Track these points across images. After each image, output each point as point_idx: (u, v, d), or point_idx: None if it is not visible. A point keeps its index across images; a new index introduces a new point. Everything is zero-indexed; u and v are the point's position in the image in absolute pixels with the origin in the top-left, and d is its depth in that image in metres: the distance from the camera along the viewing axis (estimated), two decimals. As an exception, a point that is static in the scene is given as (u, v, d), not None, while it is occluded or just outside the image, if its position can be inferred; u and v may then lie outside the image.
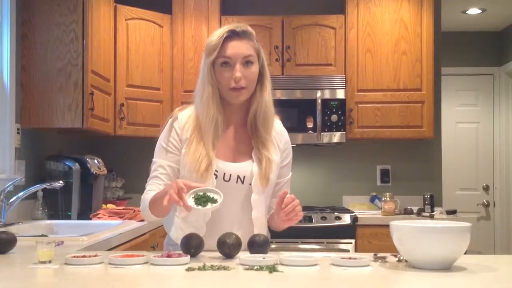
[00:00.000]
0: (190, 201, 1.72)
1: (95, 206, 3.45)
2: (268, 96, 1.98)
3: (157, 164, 1.99)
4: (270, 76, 2.01)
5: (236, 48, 1.90)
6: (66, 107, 3.24)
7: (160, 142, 2.01)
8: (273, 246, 2.07)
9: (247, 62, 1.91)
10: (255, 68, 1.94)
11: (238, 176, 1.95)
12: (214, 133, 1.94)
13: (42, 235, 2.51)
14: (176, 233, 1.97)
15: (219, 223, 1.91)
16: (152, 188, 1.96)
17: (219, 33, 1.91)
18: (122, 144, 4.48)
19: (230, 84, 1.91)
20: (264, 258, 1.65)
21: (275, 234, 2.14)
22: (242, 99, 1.95)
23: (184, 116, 2.00)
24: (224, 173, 1.94)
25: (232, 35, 1.90)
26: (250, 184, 1.95)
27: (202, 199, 1.74)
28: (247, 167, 1.96)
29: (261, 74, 1.97)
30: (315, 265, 1.64)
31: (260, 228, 1.98)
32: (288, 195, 1.86)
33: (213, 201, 1.74)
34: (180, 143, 1.97)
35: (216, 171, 1.92)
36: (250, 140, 2.00)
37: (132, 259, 1.65)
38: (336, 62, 4.19)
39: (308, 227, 3.77)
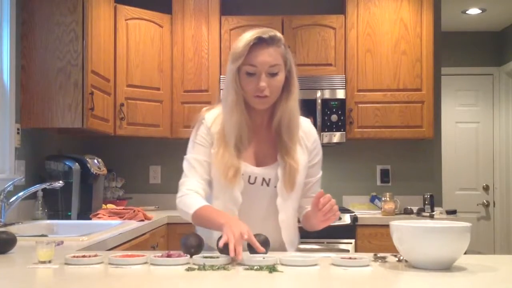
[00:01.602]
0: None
1: (95, 206, 3.45)
2: (293, 103, 1.96)
3: (192, 158, 1.98)
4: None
5: (263, 56, 1.87)
6: (66, 107, 3.24)
7: (192, 139, 2.02)
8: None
9: (272, 72, 1.89)
10: (280, 77, 1.91)
11: (264, 179, 1.96)
12: (238, 138, 1.93)
13: (42, 235, 2.51)
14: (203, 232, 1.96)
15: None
16: (194, 186, 1.93)
17: (246, 40, 1.87)
18: (122, 144, 4.48)
19: (254, 92, 1.90)
20: (264, 258, 1.65)
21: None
22: (266, 106, 1.94)
23: (211, 117, 2.00)
24: (249, 176, 1.94)
25: (259, 41, 1.87)
26: (275, 186, 1.95)
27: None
28: (272, 170, 1.96)
29: (287, 80, 1.94)
30: (315, 265, 1.64)
31: (288, 230, 1.99)
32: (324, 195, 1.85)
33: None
34: (211, 137, 1.97)
35: (241, 174, 1.92)
36: (275, 143, 1.99)
37: (132, 259, 1.65)
38: (336, 62, 4.18)
39: (308, 227, 3.76)
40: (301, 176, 1.98)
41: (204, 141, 1.98)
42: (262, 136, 2.00)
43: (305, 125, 2.06)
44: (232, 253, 1.61)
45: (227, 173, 1.90)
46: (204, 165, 1.97)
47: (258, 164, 1.97)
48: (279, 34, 1.92)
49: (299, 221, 2.10)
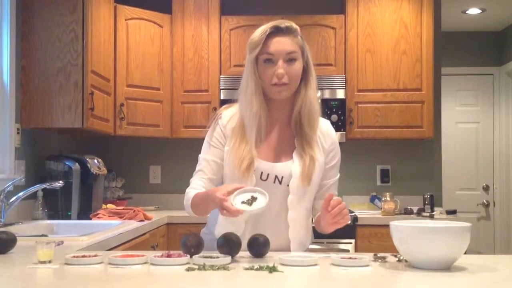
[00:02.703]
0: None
1: (95, 206, 3.45)
2: (312, 93, 1.96)
3: (202, 159, 2.01)
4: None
5: (279, 44, 1.89)
6: (66, 107, 3.24)
7: (206, 138, 2.03)
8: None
9: (290, 59, 1.90)
10: (298, 65, 1.92)
11: (276, 176, 1.94)
12: (257, 130, 1.93)
13: (42, 235, 2.51)
14: (217, 230, 1.96)
15: (256, 223, 1.91)
16: (196, 184, 1.97)
17: (262, 29, 1.90)
18: (122, 144, 4.48)
19: (272, 80, 1.90)
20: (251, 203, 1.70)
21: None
22: (284, 95, 1.94)
23: (228, 115, 2.01)
24: (262, 172, 1.94)
25: (276, 31, 1.90)
26: (287, 185, 1.94)
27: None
28: (286, 167, 1.95)
29: (305, 71, 1.95)
30: (315, 265, 1.64)
31: (298, 230, 1.98)
32: (335, 197, 1.84)
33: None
34: (224, 138, 1.99)
35: (254, 169, 1.92)
36: (293, 140, 1.99)
37: (132, 259, 1.65)
38: (336, 62, 4.18)
39: (308, 227, 3.76)
40: (316, 175, 1.97)
41: (217, 142, 1.99)
42: (279, 132, 2.00)
43: (324, 126, 2.05)
44: (229, 214, 1.68)
45: (241, 164, 1.90)
46: (211, 164, 1.98)
47: (272, 160, 1.96)
48: (295, 25, 1.94)
49: (312, 221, 2.09)
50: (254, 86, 1.92)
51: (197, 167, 2.02)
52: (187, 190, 1.98)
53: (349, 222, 1.90)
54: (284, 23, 1.91)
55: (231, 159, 1.93)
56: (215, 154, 1.99)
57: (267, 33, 1.89)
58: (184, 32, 4.22)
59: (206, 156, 2.00)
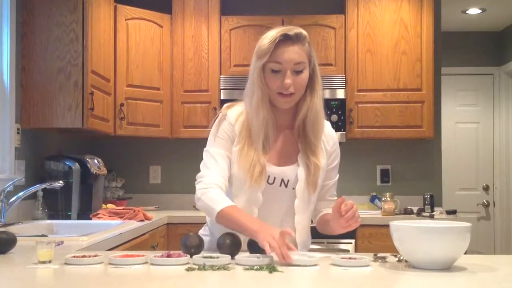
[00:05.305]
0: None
1: (95, 206, 3.45)
2: (318, 101, 1.94)
3: (214, 152, 1.93)
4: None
5: (288, 53, 1.86)
6: (66, 107, 3.24)
7: (213, 134, 1.96)
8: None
9: (297, 69, 1.87)
10: (305, 74, 1.90)
11: (282, 180, 1.93)
12: (265, 137, 1.91)
13: (42, 235, 2.51)
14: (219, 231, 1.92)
15: None
16: (217, 180, 1.88)
17: (271, 36, 1.85)
18: (122, 144, 4.48)
19: (279, 90, 1.88)
20: (259, 257, 1.64)
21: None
22: (290, 105, 1.92)
23: (233, 114, 1.96)
24: (269, 176, 1.92)
25: (285, 38, 1.86)
26: (293, 188, 1.93)
27: None
28: (292, 171, 1.94)
29: (311, 78, 1.93)
30: (315, 265, 1.64)
31: (302, 232, 1.97)
32: (346, 201, 1.83)
33: None
34: (233, 133, 1.93)
35: None
36: (296, 143, 1.97)
37: (132, 259, 1.65)
38: (336, 62, 4.18)
39: (308, 227, 3.76)
40: (321, 179, 1.97)
41: (226, 137, 1.94)
42: (284, 136, 1.98)
43: (325, 128, 2.03)
44: (282, 259, 1.60)
45: (253, 171, 1.87)
46: (226, 159, 1.93)
47: (278, 164, 1.95)
48: (304, 32, 1.90)
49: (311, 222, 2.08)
50: (261, 94, 1.89)
51: (210, 161, 1.92)
52: (208, 183, 1.87)
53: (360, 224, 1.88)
54: (293, 30, 1.87)
55: (242, 163, 1.89)
56: (227, 149, 1.93)
57: (276, 41, 1.85)
58: (184, 32, 4.22)
59: (220, 151, 1.93)
